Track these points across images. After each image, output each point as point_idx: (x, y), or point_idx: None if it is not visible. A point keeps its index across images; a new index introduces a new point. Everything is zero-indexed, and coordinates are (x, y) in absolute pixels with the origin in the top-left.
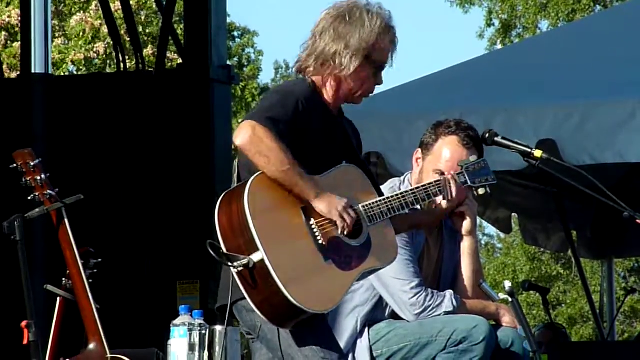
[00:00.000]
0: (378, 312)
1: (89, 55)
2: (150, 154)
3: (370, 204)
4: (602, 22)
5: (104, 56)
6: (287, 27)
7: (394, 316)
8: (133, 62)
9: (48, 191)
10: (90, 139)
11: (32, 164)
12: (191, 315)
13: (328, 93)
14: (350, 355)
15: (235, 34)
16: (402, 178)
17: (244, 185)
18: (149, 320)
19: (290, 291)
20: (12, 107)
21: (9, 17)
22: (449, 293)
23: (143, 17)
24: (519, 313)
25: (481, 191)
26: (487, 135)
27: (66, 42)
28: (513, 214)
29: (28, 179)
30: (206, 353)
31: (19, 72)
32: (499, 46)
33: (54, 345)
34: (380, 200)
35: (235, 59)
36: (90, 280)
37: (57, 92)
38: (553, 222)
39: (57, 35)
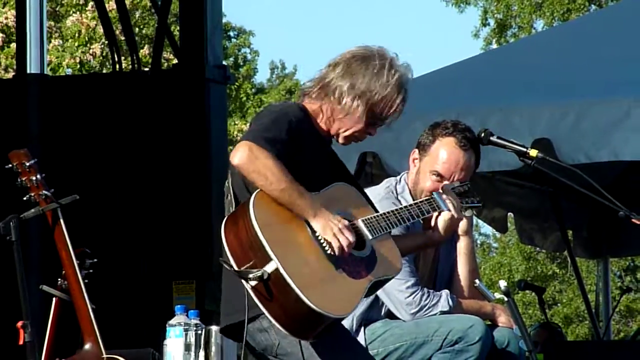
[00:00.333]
0: (374, 311)
1: (85, 58)
2: (146, 154)
3: (369, 219)
4: (597, 22)
5: (101, 58)
6: (283, 28)
7: (390, 315)
8: (129, 63)
9: (43, 191)
10: (86, 139)
11: (27, 164)
12: (187, 315)
13: (320, 121)
14: None
15: (231, 33)
16: (398, 177)
17: (247, 201)
18: (144, 321)
19: (308, 296)
20: (7, 107)
21: (6, 18)
22: (445, 293)
23: (137, 16)
24: (515, 312)
25: (467, 213)
26: (483, 134)
27: (62, 43)
28: (509, 214)
29: (23, 179)
30: (202, 353)
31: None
32: (495, 46)
33: (49, 345)
34: (378, 216)
35: (232, 59)
36: (86, 281)
37: (53, 92)
38: (549, 222)
39: (54, 36)
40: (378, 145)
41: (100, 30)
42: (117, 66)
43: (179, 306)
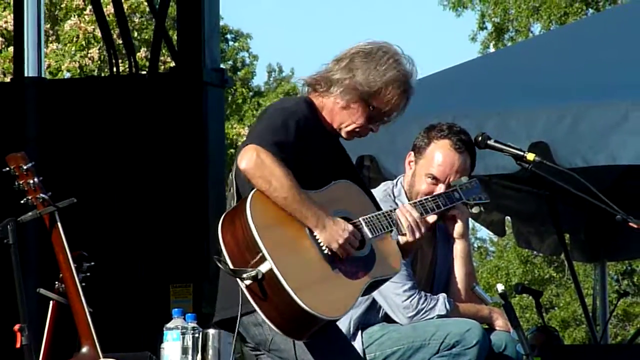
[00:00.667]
0: (371, 314)
1: (83, 63)
2: (144, 157)
3: (371, 217)
4: (594, 26)
5: (99, 62)
6: (280, 31)
7: (387, 319)
8: (127, 66)
9: (41, 195)
10: (84, 142)
11: (24, 167)
12: (184, 319)
13: (325, 116)
14: None
15: (229, 36)
16: (395, 181)
17: (245, 200)
18: (142, 324)
19: (302, 297)
20: (5, 110)
21: (5, 22)
22: (442, 296)
23: (136, 21)
24: (512, 316)
25: (475, 209)
26: (480, 138)
27: (60, 47)
28: (506, 217)
29: (21, 182)
30: (199, 356)
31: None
32: (492, 49)
33: (46, 349)
34: (379, 214)
35: (230, 62)
36: (83, 284)
37: (50, 95)
38: (546, 225)
39: (51, 40)
40: (375, 149)
41: (98, 34)
42: (115, 69)
43: (176, 309)
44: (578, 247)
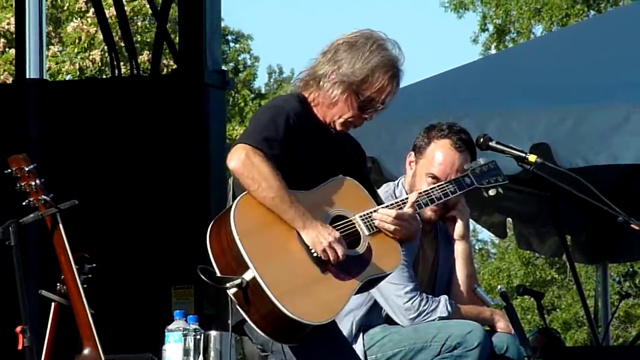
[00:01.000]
0: (373, 315)
1: (84, 64)
2: (145, 159)
3: (367, 214)
4: (595, 27)
5: (100, 64)
6: (281, 32)
7: (389, 321)
8: (128, 68)
9: (42, 196)
10: (85, 144)
11: (26, 169)
12: (186, 320)
13: (319, 110)
14: None
15: (229, 37)
16: (396, 182)
17: (230, 208)
18: (143, 326)
19: (285, 305)
20: (6, 112)
21: (8, 24)
22: (443, 298)
23: (139, 24)
24: (514, 318)
25: (492, 192)
26: (482, 140)
27: (62, 49)
28: (508, 219)
29: (22, 184)
30: (201, 358)
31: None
32: (493, 51)
33: (48, 350)
34: (377, 210)
35: (231, 64)
36: (85, 286)
37: (52, 97)
38: (547, 227)
39: (53, 42)
40: (376, 150)
41: (100, 36)
42: (117, 71)
43: (177, 311)
44: (579, 249)
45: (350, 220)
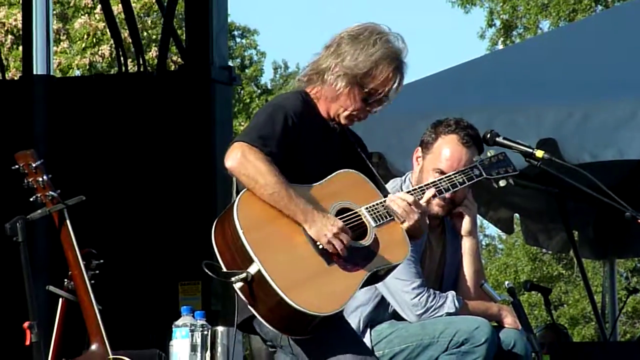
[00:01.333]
0: (380, 311)
1: (94, 60)
2: (152, 155)
3: (373, 205)
4: (602, 22)
5: (109, 59)
6: (286, 27)
7: (396, 316)
8: (136, 64)
9: (50, 192)
10: (92, 140)
11: (34, 165)
12: (193, 316)
13: (322, 105)
14: None
15: (235, 33)
16: (403, 178)
17: (233, 203)
18: (150, 321)
19: (291, 297)
20: (14, 108)
21: (15, 20)
22: (451, 294)
23: (149, 21)
24: (521, 313)
25: (502, 183)
26: (489, 135)
27: (71, 45)
28: (515, 214)
29: (30, 180)
30: (208, 354)
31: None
32: (500, 46)
33: (56, 346)
34: (383, 201)
35: (238, 60)
36: (92, 281)
37: (59, 93)
38: (554, 223)
39: (62, 38)
40: (383, 146)
41: (109, 32)
42: (124, 67)
43: (185, 307)
44: (587, 244)
45: (356, 212)
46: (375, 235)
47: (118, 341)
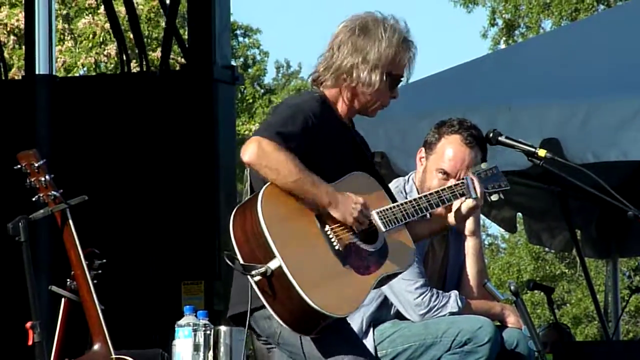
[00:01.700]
0: (383, 311)
1: (99, 59)
2: (155, 154)
3: (384, 210)
4: (605, 21)
5: (115, 59)
6: (288, 26)
7: (399, 316)
8: (140, 64)
9: (52, 192)
10: (95, 139)
11: (36, 165)
12: (196, 316)
13: (341, 106)
14: None
15: (238, 32)
16: (406, 177)
17: (256, 196)
18: (153, 321)
19: (310, 296)
20: (16, 108)
21: (17, 20)
22: (454, 294)
23: (163, 23)
24: (524, 313)
25: (494, 197)
26: (491, 134)
27: (75, 44)
28: (518, 214)
29: (32, 180)
30: (211, 353)
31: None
32: (503, 45)
33: (58, 346)
34: (394, 206)
35: (241, 59)
36: (95, 281)
37: (61, 93)
38: (557, 222)
39: (67, 38)
40: (385, 145)
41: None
42: (126, 67)
43: (187, 306)
44: (589, 243)
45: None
46: (384, 239)
47: (121, 341)
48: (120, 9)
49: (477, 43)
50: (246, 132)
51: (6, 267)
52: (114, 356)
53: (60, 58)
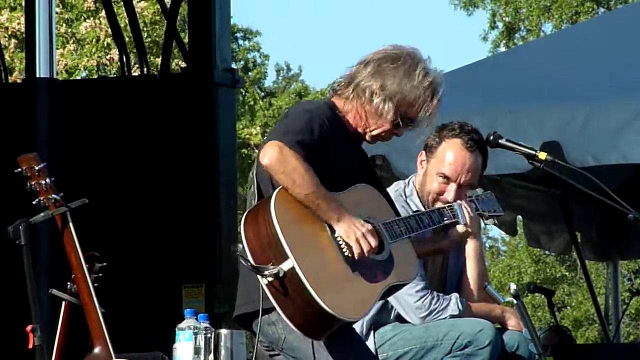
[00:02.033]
0: (384, 315)
1: (102, 62)
2: (155, 157)
3: (390, 222)
4: (605, 25)
5: (119, 63)
6: (288, 29)
7: (400, 319)
8: (145, 67)
9: (53, 195)
10: (95, 143)
11: (36, 168)
12: (196, 319)
13: (350, 120)
14: None
15: (238, 35)
16: (406, 180)
17: (269, 198)
18: (154, 324)
19: (323, 298)
20: (16, 111)
21: (18, 24)
22: (454, 296)
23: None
24: (524, 315)
25: (489, 221)
26: (492, 137)
27: (77, 48)
28: (518, 216)
29: (33, 183)
30: (211, 356)
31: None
32: (503, 48)
33: (59, 349)
34: (398, 219)
35: (242, 62)
36: (96, 284)
37: (62, 96)
38: (557, 224)
39: (70, 42)
40: (386, 148)
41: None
42: (126, 69)
43: (188, 310)
44: (590, 246)
45: (374, 226)
46: (390, 251)
47: (121, 344)
48: (123, 12)
49: (478, 46)
50: (247, 136)
51: (7, 271)
52: (114, 359)
53: (62, 61)
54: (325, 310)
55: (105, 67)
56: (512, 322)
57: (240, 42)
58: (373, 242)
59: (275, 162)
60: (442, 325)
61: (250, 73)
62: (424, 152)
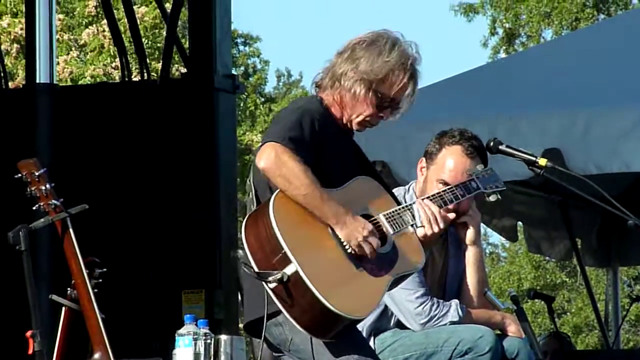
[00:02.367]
0: (384, 321)
1: (107, 71)
2: (155, 163)
3: (391, 213)
4: (605, 31)
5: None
6: (288, 35)
7: (400, 325)
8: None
9: (53, 201)
10: (95, 148)
11: (37, 173)
12: (196, 325)
13: (334, 111)
14: None
15: (238, 40)
16: (407, 187)
17: (267, 203)
18: (154, 330)
19: (328, 299)
20: (16, 117)
21: (21, 29)
22: (454, 303)
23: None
24: (524, 322)
25: (492, 198)
26: (492, 143)
27: (80, 54)
28: (518, 222)
29: (33, 189)
30: None
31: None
32: (503, 55)
33: (59, 355)
34: (400, 209)
35: (242, 68)
36: (95, 290)
37: (62, 102)
38: (558, 230)
39: (73, 48)
40: (387, 155)
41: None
42: (127, 74)
43: (188, 315)
44: (590, 252)
45: (375, 219)
46: (393, 242)
47: (121, 350)
48: (124, 17)
49: (478, 52)
50: (248, 142)
51: (7, 276)
52: None
53: (67, 68)
54: (333, 310)
55: (111, 75)
56: (512, 328)
57: (241, 47)
58: (375, 243)
59: (272, 164)
60: (442, 332)
61: (250, 79)
62: (424, 159)
